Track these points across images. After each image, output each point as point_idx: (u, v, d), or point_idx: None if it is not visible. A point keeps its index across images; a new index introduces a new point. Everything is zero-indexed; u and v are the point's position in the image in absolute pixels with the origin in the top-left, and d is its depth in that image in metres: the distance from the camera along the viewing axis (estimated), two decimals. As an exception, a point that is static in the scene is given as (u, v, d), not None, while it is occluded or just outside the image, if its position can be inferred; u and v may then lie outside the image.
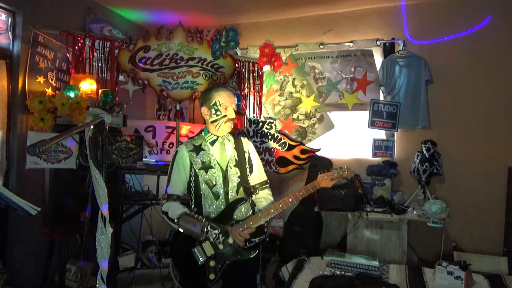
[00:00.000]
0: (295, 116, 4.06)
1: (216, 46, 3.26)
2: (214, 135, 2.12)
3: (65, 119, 3.01)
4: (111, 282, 3.08)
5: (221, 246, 1.96)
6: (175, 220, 1.95)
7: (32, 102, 2.91)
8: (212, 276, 1.95)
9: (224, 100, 2.08)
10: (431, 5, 3.63)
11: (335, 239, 3.73)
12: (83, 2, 3.71)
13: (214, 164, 2.07)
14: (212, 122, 2.09)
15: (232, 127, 2.15)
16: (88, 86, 3.14)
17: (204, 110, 2.12)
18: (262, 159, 3.45)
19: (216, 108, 2.07)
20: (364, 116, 3.74)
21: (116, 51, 3.21)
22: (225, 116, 2.07)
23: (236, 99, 2.35)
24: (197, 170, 2.05)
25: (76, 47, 3.14)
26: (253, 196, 2.18)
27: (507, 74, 3.37)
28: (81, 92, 3.07)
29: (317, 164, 3.58)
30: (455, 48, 3.55)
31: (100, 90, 3.14)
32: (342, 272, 2.72)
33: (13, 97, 3.03)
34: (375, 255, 3.17)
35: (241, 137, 2.24)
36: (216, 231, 1.92)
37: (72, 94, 3.00)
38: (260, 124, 3.56)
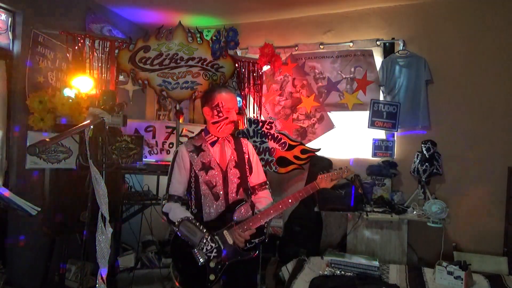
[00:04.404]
0: (295, 116, 4.06)
1: (216, 46, 3.26)
2: (215, 136, 2.12)
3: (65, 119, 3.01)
4: (111, 282, 3.08)
5: (211, 263, 1.93)
6: (176, 223, 1.95)
7: (32, 102, 2.91)
8: (212, 277, 1.94)
9: (227, 102, 2.07)
10: (431, 5, 3.63)
11: (335, 239, 3.73)
12: (83, 2, 3.71)
13: (214, 165, 2.06)
14: (214, 123, 2.09)
15: (233, 129, 2.14)
16: (88, 86, 3.13)
17: (206, 110, 2.11)
18: (262, 159, 3.44)
19: (218, 109, 2.06)
20: (364, 116, 3.74)
21: (116, 51, 3.21)
22: (227, 118, 2.06)
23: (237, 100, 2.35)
24: (197, 171, 2.04)
25: (76, 47, 3.14)
26: (253, 196, 2.18)
27: (507, 73, 3.37)
28: (81, 92, 3.07)
29: (317, 164, 3.58)
30: (455, 48, 3.55)
31: (100, 90, 3.14)
32: (342, 272, 2.73)
33: (13, 97, 3.03)
34: (375, 255, 3.17)
35: (241, 138, 2.24)
36: (213, 245, 1.91)
37: (72, 94, 3.00)
38: (260, 124, 3.56)
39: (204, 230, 1.93)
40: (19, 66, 3.03)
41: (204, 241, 1.89)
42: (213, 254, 1.91)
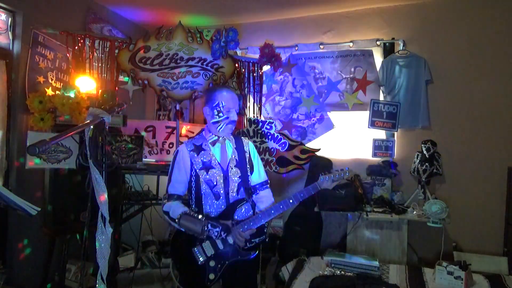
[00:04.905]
0: (295, 116, 4.06)
1: (216, 46, 3.26)
2: (215, 135, 2.12)
3: (65, 119, 3.01)
4: (111, 282, 3.08)
5: (221, 246, 1.96)
6: (176, 220, 1.96)
7: (32, 102, 2.91)
8: (212, 276, 1.95)
9: (228, 102, 2.06)
10: (431, 5, 3.63)
11: (335, 239, 3.73)
12: (83, 2, 3.71)
13: (215, 164, 2.06)
14: (214, 123, 2.09)
15: (233, 129, 2.14)
16: (88, 86, 3.14)
17: (206, 110, 2.11)
18: (262, 159, 3.45)
19: (218, 109, 2.06)
20: (364, 116, 3.75)
21: (116, 51, 3.21)
22: (227, 118, 2.06)
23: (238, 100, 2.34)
24: (197, 170, 2.04)
25: (76, 47, 3.14)
26: (254, 196, 2.18)
27: (507, 73, 3.37)
28: (81, 92, 3.07)
29: (317, 164, 3.58)
30: (455, 48, 3.55)
31: (100, 90, 3.14)
32: (342, 272, 2.72)
33: (13, 97, 3.03)
34: (375, 255, 3.17)
35: (242, 137, 2.23)
36: (217, 229, 1.93)
37: (72, 94, 3.00)
38: (260, 124, 3.56)
39: (203, 219, 1.94)
40: (19, 66, 3.03)
41: (206, 228, 1.91)
42: (223, 235, 1.94)
